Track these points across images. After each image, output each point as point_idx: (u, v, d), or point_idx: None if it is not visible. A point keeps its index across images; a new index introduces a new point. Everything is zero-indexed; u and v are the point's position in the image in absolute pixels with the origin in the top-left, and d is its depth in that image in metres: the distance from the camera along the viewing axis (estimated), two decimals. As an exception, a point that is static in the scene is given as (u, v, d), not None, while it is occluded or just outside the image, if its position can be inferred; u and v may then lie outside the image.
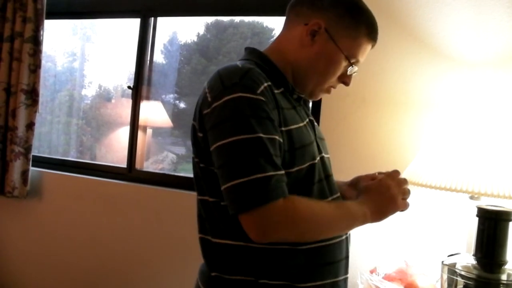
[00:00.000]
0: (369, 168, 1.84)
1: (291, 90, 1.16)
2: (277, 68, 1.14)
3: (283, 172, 0.98)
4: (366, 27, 1.16)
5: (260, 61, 1.14)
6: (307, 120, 1.18)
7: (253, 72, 1.03)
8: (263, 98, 1.00)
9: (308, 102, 1.27)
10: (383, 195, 1.13)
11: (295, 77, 1.17)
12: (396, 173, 1.18)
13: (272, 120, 1.00)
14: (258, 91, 1.00)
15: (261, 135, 0.96)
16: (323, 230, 1.05)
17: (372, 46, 1.21)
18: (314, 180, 1.09)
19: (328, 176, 1.16)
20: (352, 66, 1.17)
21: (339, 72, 1.17)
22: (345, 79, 1.20)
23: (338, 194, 1.18)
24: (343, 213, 1.08)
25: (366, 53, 1.20)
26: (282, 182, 0.97)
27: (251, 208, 0.94)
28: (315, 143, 1.14)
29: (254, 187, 0.93)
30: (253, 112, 0.98)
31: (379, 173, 1.24)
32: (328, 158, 1.23)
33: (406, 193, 1.17)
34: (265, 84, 1.02)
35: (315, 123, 1.24)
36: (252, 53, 1.18)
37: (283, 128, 1.04)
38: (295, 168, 1.05)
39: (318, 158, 1.12)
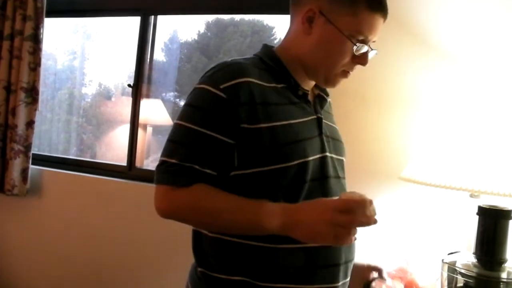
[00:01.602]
0: (369, 167, 1.85)
1: (294, 86, 1.14)
2: (281, 64, 1.14)
3: (199, 168, 1.02)
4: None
5: (265, 56, 1.15)
6: (314, 117, 1.16)
7: (232, 67, 1.06)
8: (222, 94, 1.02)
9: (324, 100, 1.24)
10: (311, 225, 0.95)
11: (306, 69, 1.16)
12: (358, 207, 0.95)
13: (221, 118, 1.02)
14: (222, 86, 1.02)
15: (196, 127, 1.02)
16: (211, 226, 1.08)
17: (383, 18, 1.12)
18: (306, 178, 1.07)
19: (326, 177, 1.13)
20: (356, 45, 1.10)
21: (346, 54, 1.11)
22: (358, 60, 1.13)
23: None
24: (242, 217, 1.02)
25: (376, 27, 1.11)
26: (190, 173, 1.01)
27: (157, 183, 1.05)
28: (315, 141, 1.12)
29: (164, 168, 1.04)
30: (202, 103, 1.04)
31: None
32: (338, 160, 1.20)
33: (342, 237, 0.95)
34: (239, 80, 1.03)
35: (328, 123, 1.22)
36: (263, 49, 1.20)
37: (263, 125, 1.03)
38: (281, 165, 1.04)
39: (315, 156, 1.10)
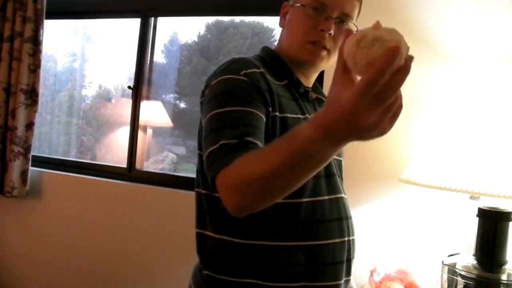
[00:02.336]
0: (369, 168, 1.85)
1: (296, 83, 1.17)
2: (282, 61, 1.17)
3: (248, 138, 0.93)
4: None
5: (266, 55, 1.19)
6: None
7: (243, 60, 1.08)
8: (245, 78, 1.02)
9: (323, 101, 1.26)
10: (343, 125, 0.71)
11: (289, 59, 1.18)
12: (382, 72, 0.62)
13: (251, 97, 1.01)
14: (241, 73, 1.03)
15: (233, 108, 0.99)
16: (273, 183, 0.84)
17: None
18: None
19: (330, 175, 1.14)
20: (304, 6, 1.12)
21: (305, 21, 1.13)
22: (321, 27, 1.11)
23: (339, 195, 1.15)
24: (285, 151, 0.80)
25: None
26: (241, 145, 0.92)
27: (214, 178, 0.91)
28: None
29: (213, 157, 0.93)
30: (229, 89, 1.02)
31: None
32: (338, 160, 1.22)
33: (388, 110, 0.70)
34: (253, 70, 1.05)
35: None
36: (262, 49, 1.23)
37: (277, 114, 1.05)
38: None
39: None
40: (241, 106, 0.99)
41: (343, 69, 0.68)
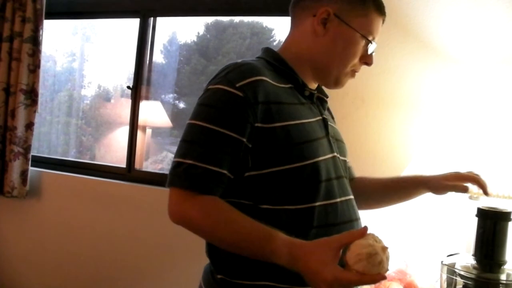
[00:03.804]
0: (368, 169, 1.85)
1: (301, 86, 1.16)
2: (287, 65, 1.15)
3: (216, 169, 1.00)
4: (373, 2, 1.16)
5: (270, 58, 1.16)
6: (320, 118, 1.17)
7: (245, 66, 1.06)
8: (239, 93, 1.01)
9: (325, 101, 1.26)
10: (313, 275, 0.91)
11: (315, 69, 1.18)
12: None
13: (239, 115, 1.01)
14: (238, 85, 1.02)
15: (211, 126, 1.00)
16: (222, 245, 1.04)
17: (383, 22, 1.20)
18: (321, 178, 1.07)
19: (340, 177, 1.14)
20: (371, 43, 1.16)
21: (359, 53, 1.17)
22: (366, 60, 1.19)
23: (349, 197, 1.16)
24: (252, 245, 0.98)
25: (379, 29, 1.19)
26: (206, 176, 1.00)
27: (170, 186, 1.05)
28: (324, 141, 1.13)
29: (178, 170, 1.02)
30: (218, 102, 1.02)
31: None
32: (343, 161, 1.22)
33: None
34: (254, 78, 1.03)
35: (332, 124, 1.23)
36: (265, 51, 1.20)
37: (276, 124, 1.03)
38: (295, 165, 1.04)
39: (326, 156, 1.10)
40: (224, 128, 1.00)
41: (340, 248, 0.91)
